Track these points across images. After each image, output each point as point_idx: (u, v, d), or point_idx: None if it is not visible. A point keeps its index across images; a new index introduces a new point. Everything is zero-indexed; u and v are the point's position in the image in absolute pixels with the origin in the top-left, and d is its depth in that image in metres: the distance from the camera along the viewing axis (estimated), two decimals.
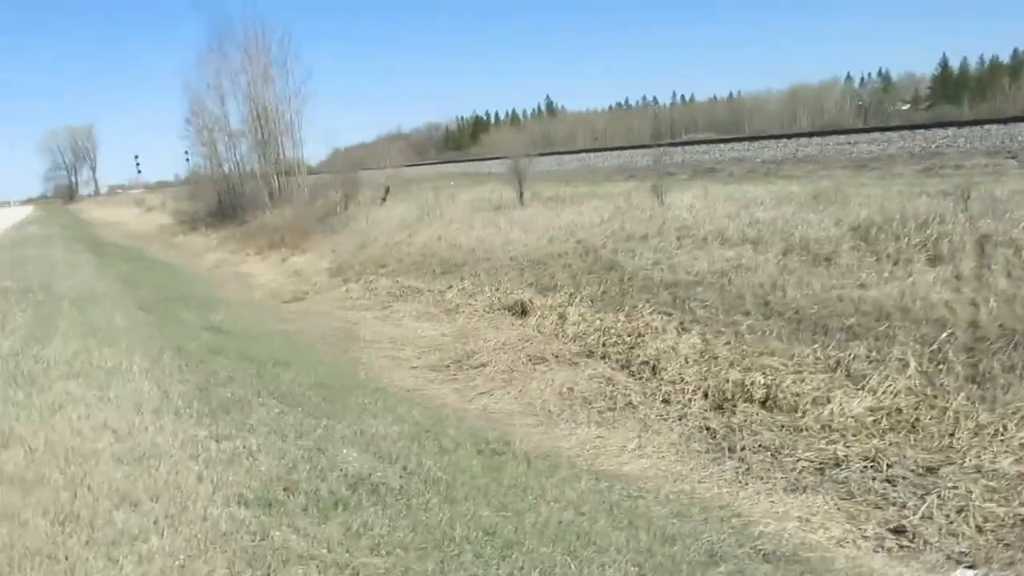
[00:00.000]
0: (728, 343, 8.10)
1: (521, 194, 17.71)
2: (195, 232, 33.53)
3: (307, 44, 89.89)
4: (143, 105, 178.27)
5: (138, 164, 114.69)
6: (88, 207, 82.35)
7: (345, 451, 5.13)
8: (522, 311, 11.38)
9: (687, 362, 8.03)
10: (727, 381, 7.39)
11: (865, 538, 4.89)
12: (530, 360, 9.23)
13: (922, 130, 18.68)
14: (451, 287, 13.44)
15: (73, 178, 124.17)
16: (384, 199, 23.20)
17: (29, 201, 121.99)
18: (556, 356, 9.19)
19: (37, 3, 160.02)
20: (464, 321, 11.80)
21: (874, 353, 7.14)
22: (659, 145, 17.29)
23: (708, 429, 6.79)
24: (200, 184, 40.64)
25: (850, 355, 7.23)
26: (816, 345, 7.54)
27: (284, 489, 4.30)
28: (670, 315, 9.12)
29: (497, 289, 12.55)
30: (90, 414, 5.37)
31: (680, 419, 7.08)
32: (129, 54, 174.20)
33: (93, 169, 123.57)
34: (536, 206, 16.55)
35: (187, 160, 42.06)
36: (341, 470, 4.70)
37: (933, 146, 16.40)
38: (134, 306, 11.77)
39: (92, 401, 5.72)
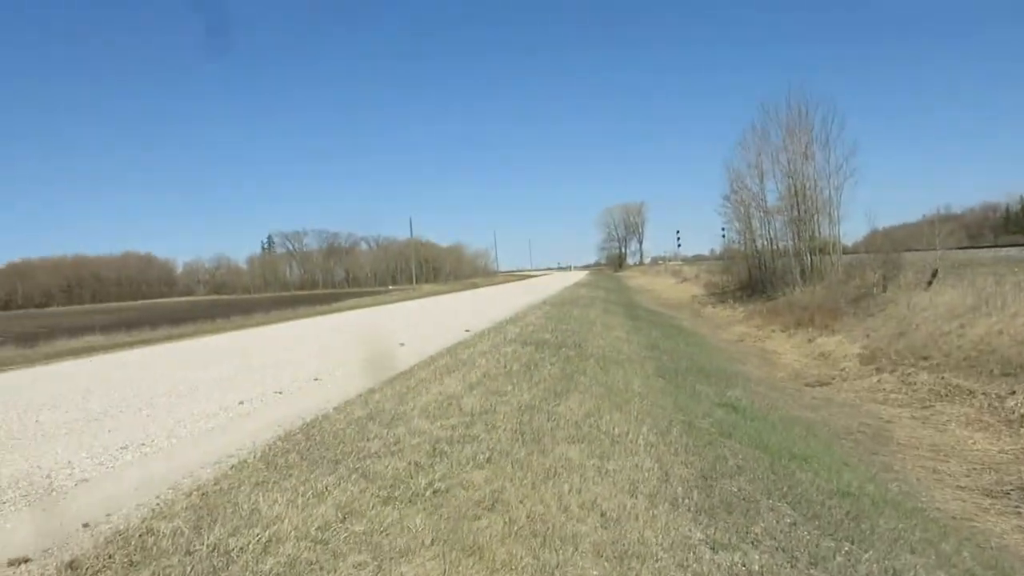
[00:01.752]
0: None
1: None
2: (723, 304, 33.99)
3: (854, 117, 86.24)
4: (686, 183, 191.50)
5: (678, 238, 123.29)
6: (632, 275, 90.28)
7: None
8: None
9: None
10: None
11: None
12: None
13: None
14: (1014, 393, 11.16)
15: (622, 248, 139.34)
16: (930, 283, 20.58)
17: (586, 267, 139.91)
18: None
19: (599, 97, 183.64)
20: None
21: None
22: None
23: None
24: (732, 258, 41.45)
25: None
26: None
27: None
28: None
29: None
30: (583, 487, 5.06)
31: None
32: (677, 137, 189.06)
33: (640, 241, 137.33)
34: None
35: (722, 235, 43.38)
36: None
37: None
38: (653, 372, 11.84)
39: (589, 472, 5.45)
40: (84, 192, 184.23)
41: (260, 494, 4.80)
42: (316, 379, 10.91)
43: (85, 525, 4.63)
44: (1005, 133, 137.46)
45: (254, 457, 5.94)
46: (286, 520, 4.27)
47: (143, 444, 7.01)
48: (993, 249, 37.33)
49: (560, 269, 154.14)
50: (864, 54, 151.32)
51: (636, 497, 5.05)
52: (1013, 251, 33.39)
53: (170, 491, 5.27)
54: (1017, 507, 7.38)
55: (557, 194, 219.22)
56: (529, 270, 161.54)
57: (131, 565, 3.83)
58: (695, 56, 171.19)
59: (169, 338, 21.71)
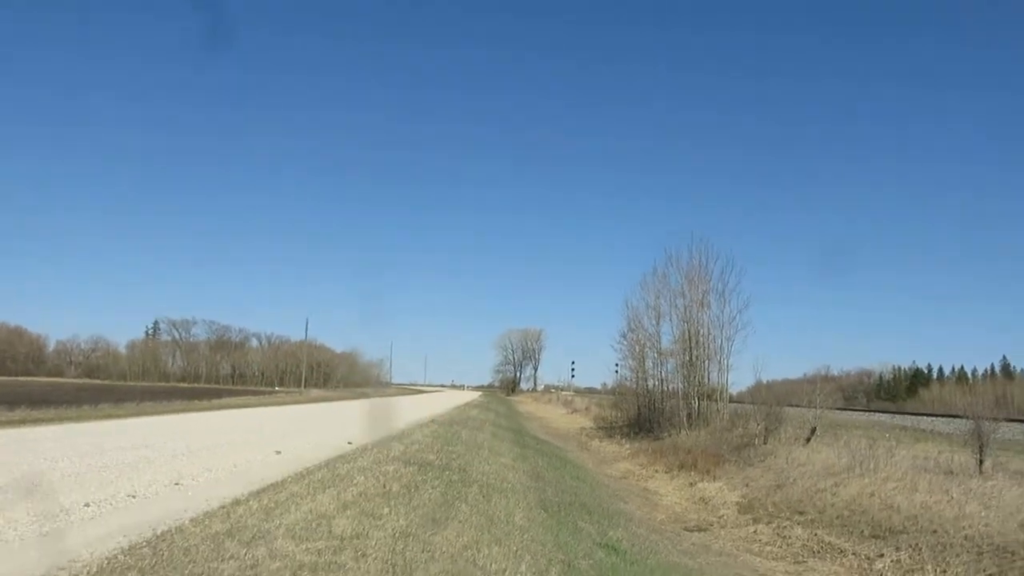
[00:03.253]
0: None
1: (980, 461, 15.07)
2: (610, 439, 34.10)
3: (748, 274, 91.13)
4: (585, 316, 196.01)
5: (573, 369, 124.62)
6: (524, 400, 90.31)
7: None
8: None
9: None
10: None
11: None
12: None
13: None
14: (882, 555, 11.39)
15: (517, 373, 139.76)
16: (809, 439, 21.28)
17: (479, 388, 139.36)
18: None
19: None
20: None
21: None
22: None
23: None
24: (623, 395, 42.04)
25: None
26: None
27: None
28: None
29: (944, 572, 10.28)
30: None
31: None
32: (580, 271, 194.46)
33: (535, 368, 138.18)
34: (1000, 479, 14.00)
35: (616, 371, 44.13)
36: None
37: None
38: (536, 504, 11.57)
39: None
40: None
41: None
42: (177, 483, 10.16)
43: None
44: (881, 305, 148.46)
45: (88, 573, 5.33)
46: None
47: None
48: (867, 413, 39.28)
49: (453, 387, 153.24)
50: (761, 211, 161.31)
51: None
52: (884, 416, 35.26)
53: None
54: None
55: (457, 312, 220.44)
56: (422, 385, 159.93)
57: None
58: (603, 197, 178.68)
59: (23, 422, 20.07)
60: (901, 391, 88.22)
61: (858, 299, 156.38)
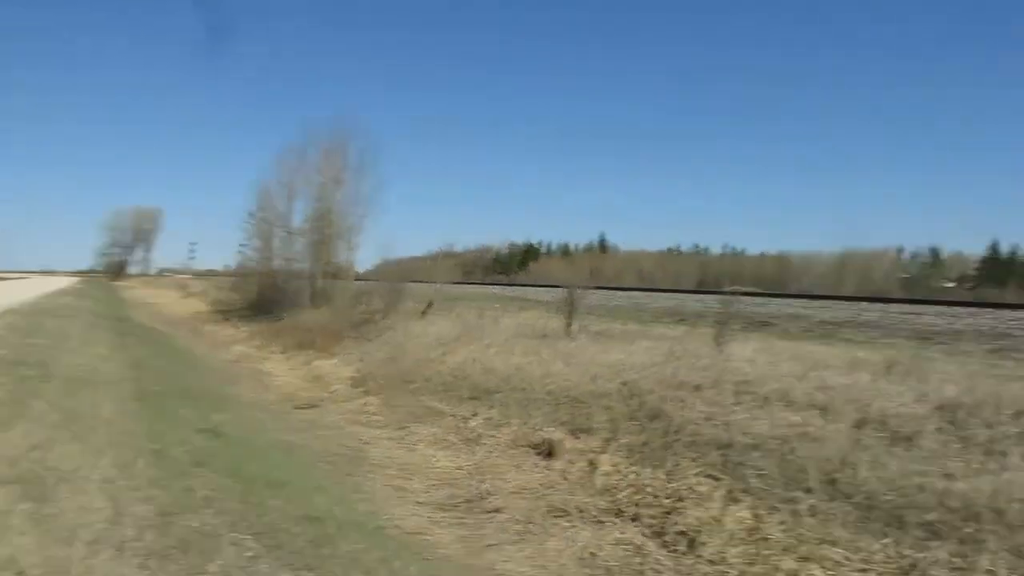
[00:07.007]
0: (783, 523, 6.86)
1: (569, 325, 17.00)
2: (227, 323, 33.07)
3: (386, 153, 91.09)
4: (212, 195, 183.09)
5: (192, 250, 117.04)
6: (131, 286, 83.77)
7: None
8: (548, 452, 10.24)
9: (732, 539, 6.79)
10: (778, 570, 6.18)
11: None
12: (550, 511, 8.06)
13: (991, 309, 18.03)
14: (476, 414, 12.33)
15: (127, 256, 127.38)
16: (425, 313, 22.53)
17: (77, 273, 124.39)
18: (580, 510, 8.01)
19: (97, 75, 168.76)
20: (484, 455, 10.62)
21: (958, 559, 5.90)
22: (722, 292, 16.73)
23: None
24: (245, 276, 40.74)
25: (929, 558, 5.98)
26: (888, 540, 6.31)
27: None
28: (718, 480, 7.92)
29: (525, 423, 11.41)
30: (4, 540, 4.34)
31: None
32: (199, 143, 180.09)
33: (148, 250, 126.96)
34: (583, 339, 15.79)
35: (240, 252, 42.22)
36: None
37: (1003, 327, 15.54)
38: (131, 395, 10.85)
39: (16, 522, 4.66)
40: None
41: None
42: None
43: None
44: (503, 187, 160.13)
45: None
46: None
47: None
48: (483, 286, 42.44)
49: (44, 274, 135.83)
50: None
51: (72, 546, 4.47)
52: (497, 288, 38.48)
53: None
54: (462, 519, 8.04)
55: (51, 189, 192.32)
56: (2, 272, 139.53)
57: None
58: (233, 61, 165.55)
59: None
60: (515, 264, 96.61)
61: (483, 180, 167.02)
